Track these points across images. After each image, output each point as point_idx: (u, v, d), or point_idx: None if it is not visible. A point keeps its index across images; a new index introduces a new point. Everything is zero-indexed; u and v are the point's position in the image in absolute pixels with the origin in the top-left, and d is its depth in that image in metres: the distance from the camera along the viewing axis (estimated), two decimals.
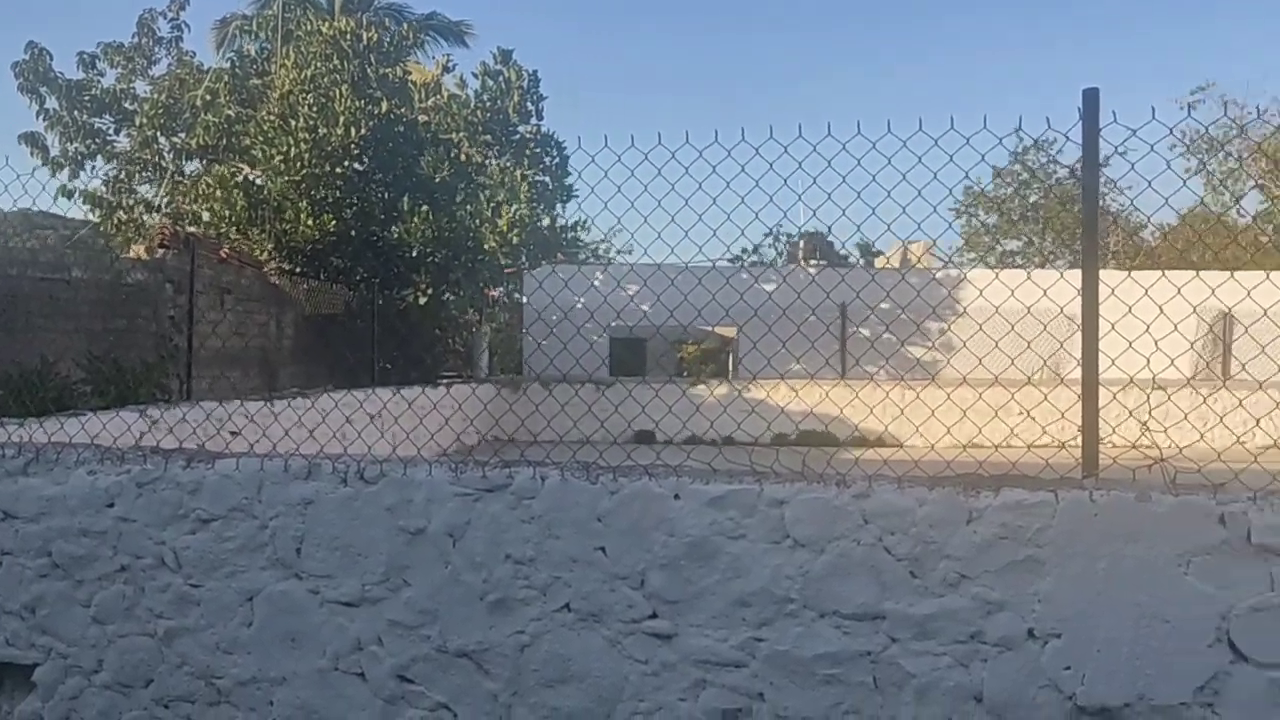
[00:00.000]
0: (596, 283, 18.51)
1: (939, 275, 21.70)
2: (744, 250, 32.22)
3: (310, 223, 14.86)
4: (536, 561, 3.84)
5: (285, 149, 14.93)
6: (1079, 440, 3.95)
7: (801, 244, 33.25)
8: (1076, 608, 3.36)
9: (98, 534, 4.20)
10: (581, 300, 16.94)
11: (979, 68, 58.26)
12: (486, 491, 3.91)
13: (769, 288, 20.66)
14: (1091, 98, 3.51)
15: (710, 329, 23.66)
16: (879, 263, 32.08)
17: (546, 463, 3.99)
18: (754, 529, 3.66)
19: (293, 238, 15.12)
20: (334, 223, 15.07)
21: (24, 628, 4.32)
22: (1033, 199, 35.82)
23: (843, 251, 32.25)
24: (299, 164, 14.93)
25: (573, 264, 18.90)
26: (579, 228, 16.59)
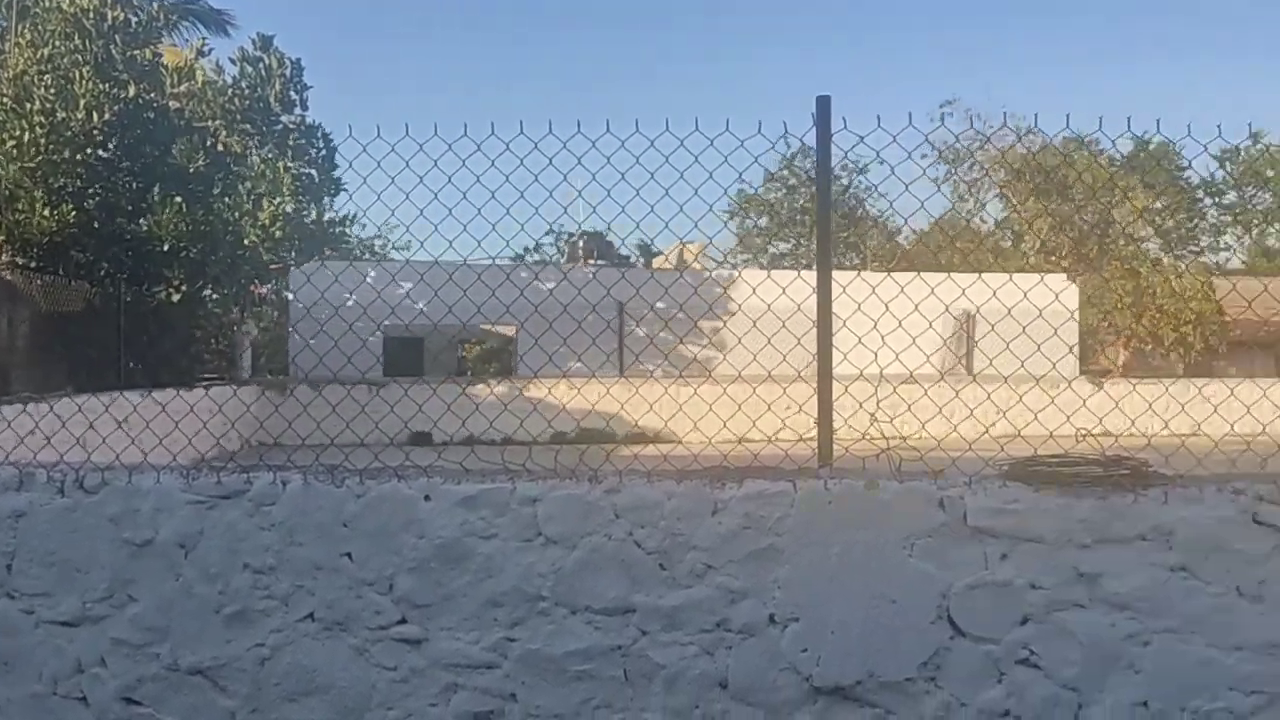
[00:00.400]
0: (369, 279, 17.97)
1: (714, 275, 22.38)
2: (525, 248, 32.12)
3: (47, 213, 13.65)
4: (277, 570, 3.66)
5: (18, 134, 13.65)
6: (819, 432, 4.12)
7: (581, 243, 33.53)
8: (813, 593, 3.51)
9: None
10: (353, 297, 16.39)
11: (766, 71, 60.39)
12: (222, 498, 3.69)
13: (549, 285, 20.73)
14: (824, 105, 3.67)
15: (490, 327, 23.47)
16: (657, 262, 32.77)
17: (288, 466, 3.81)
18: (506, 528, 3.62)
19: (27, 230, 13.84)
20: (74, 214, 13.90)
21: None
22: (801, 203, 37.53)
23: (624, 251, 32.71)
24: (34, 150, 13.68)
25: (344, 260, 18.26)
26: (349, 222, 16.02)
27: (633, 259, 32.96)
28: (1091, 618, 3.42)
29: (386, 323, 19.13)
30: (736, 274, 22.55)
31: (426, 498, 3.66)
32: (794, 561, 3.52)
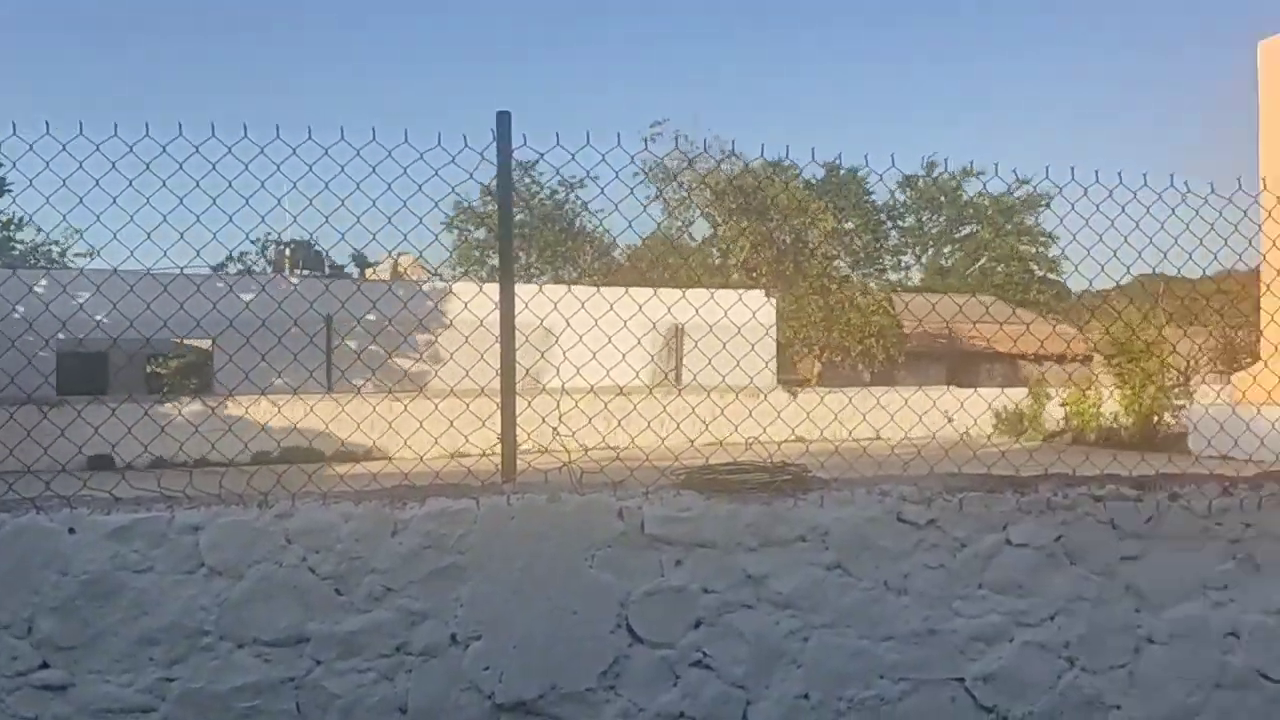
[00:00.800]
0: (39, 288, 16.34)
1: (426, 287, 22.03)
2: (228, 257, 30.31)
3: None
4: None
5: None
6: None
7: (288, 252, 32.07)
8: (496, 609, 3.49)
9: None
10: (19, 308, 14.82)
11: (476, 80, 60.22)
12: None
13: (247, 297, 19.62)
14: (504, 120, 3.68)
15: (179, 340, 21.93)
16: (369, 274, 31.90)
17: None
18: (163, 559, 3.36)
19: None
20: None
21: None
22: (519, 216, 37.72)
23: (340, 262, 31.55)
24: None
25: (9, 267, 16.50)
26: (13, 226, 14.48)
27: (347, 269, 31.90)
28: (758, 617, 3.61)
29: (60, 335, 17.46)
30: (448, 286, 22.33)
31: (71, 530, 3.34)
32: (477, 579, 3.49)
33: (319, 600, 3.42)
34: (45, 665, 3.30)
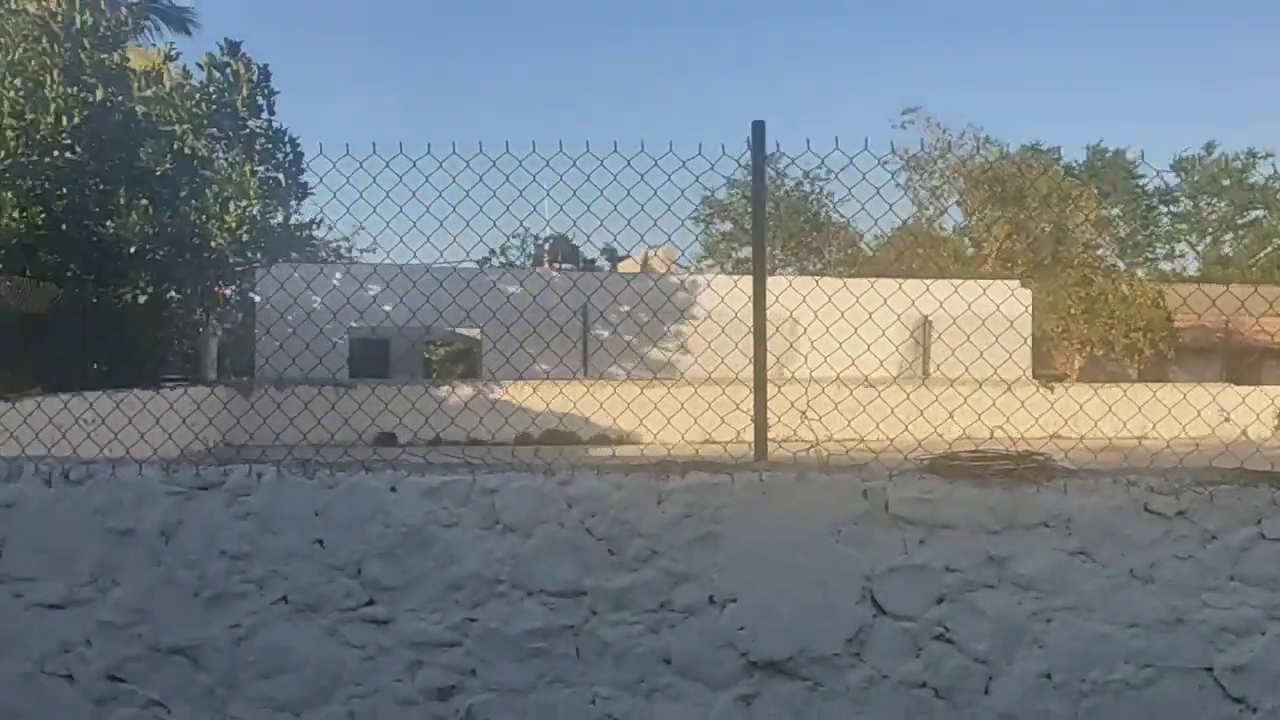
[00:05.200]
0: (336, 282, 18.14)
1: (680, 280, 22.74)
2: (490, 252, 32.32)
3: (16, 215, 13.76)
4: (253, 557, 3.93)
5: None
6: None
7: (547, 248, 33.78)
8: (749, 575, 3.83)
9: None
10: (320, 300, 16.57)
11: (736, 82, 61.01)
12: (200, 490, 3.96)
13: (512, 289, 20.99)
14: (759, 131, 4.00)
15: (453, 330, 23.66)
16: (623, 268, 33.07)
17: (263, 460, 4.08)
18: (467, 517, 3.91)
19: None
20: (43, 215, 14.02)
21: None
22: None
23: (591, 256, 32.96)
24: (3, 152, 13.78)
25: (312, 262, 18.42)
26: (315, 225, 16.21)
27: (599, 264, 33.25)
28: (1000, 597, 3.77)
29: (353, 324, 19.31)
30: (700, 279, 22.92)
31: (393, 489, 3.95)
32: (732, 547, 3.84)
33: (594, 559, 3.88)
34: (371, 602, 3.93)
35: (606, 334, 22.16)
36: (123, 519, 3.94)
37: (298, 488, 3.95)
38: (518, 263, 34.58)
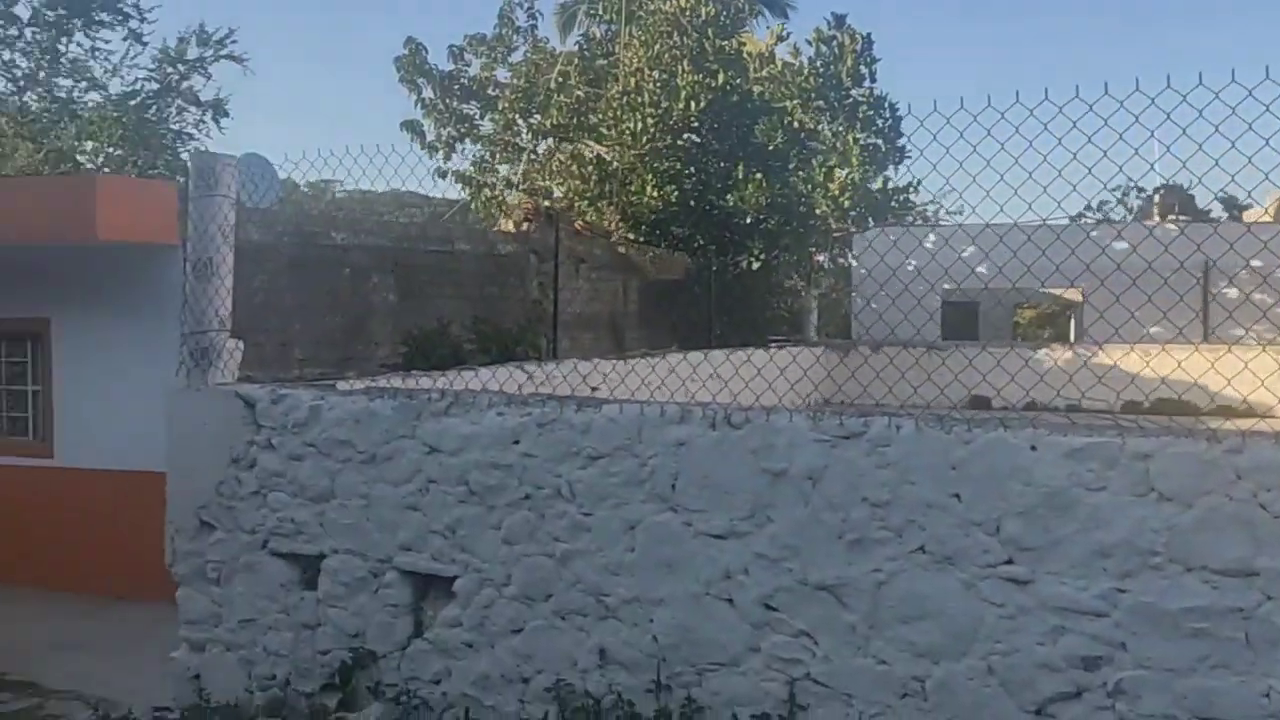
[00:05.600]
0: (928, 244, 18.20)
1: None
2: (1087, 207, 30.15)
3: (654, 194, 15.72)
4: (891, 505, 4.08)
5: (633, 124, 15.87)
6: None
7: (1158, 199, 30.65)
8: None
9: (505, 467, 4.88)
10: (912, 262, 16.71)
11: None
12: (843, 438, 4.19)
13: (1121, 245, 19.33)
14: None
15: (1044, 290, 22.51)
16: (1247, 217, 28.97)
17: (900, 412, 4.21)
18: (1115, 481, 3.70)
19: (637, 209, 16.06)
20: (675, 193, 15.84)
21: (446, 545, 5.09)
22: None
23: (1204, 207, 29.31)
24: (644, 138, 15.80)
25: (902, 226, 18.66)
26: (910, 189, 16.37)
27: (1215, 215, 29.42)
28: None
29: (945, 287, 19.20)
30: None
31: (1033, 448, 3.85)
32: None
33: (1271, 537, 3.45)
34: (1010, 561, 3.88)
35: (1233, 294, 19.57)
36: (775, 461, 4.30)
37: (935, 441, 4.02)
38: (1116, 216, 31.87)
